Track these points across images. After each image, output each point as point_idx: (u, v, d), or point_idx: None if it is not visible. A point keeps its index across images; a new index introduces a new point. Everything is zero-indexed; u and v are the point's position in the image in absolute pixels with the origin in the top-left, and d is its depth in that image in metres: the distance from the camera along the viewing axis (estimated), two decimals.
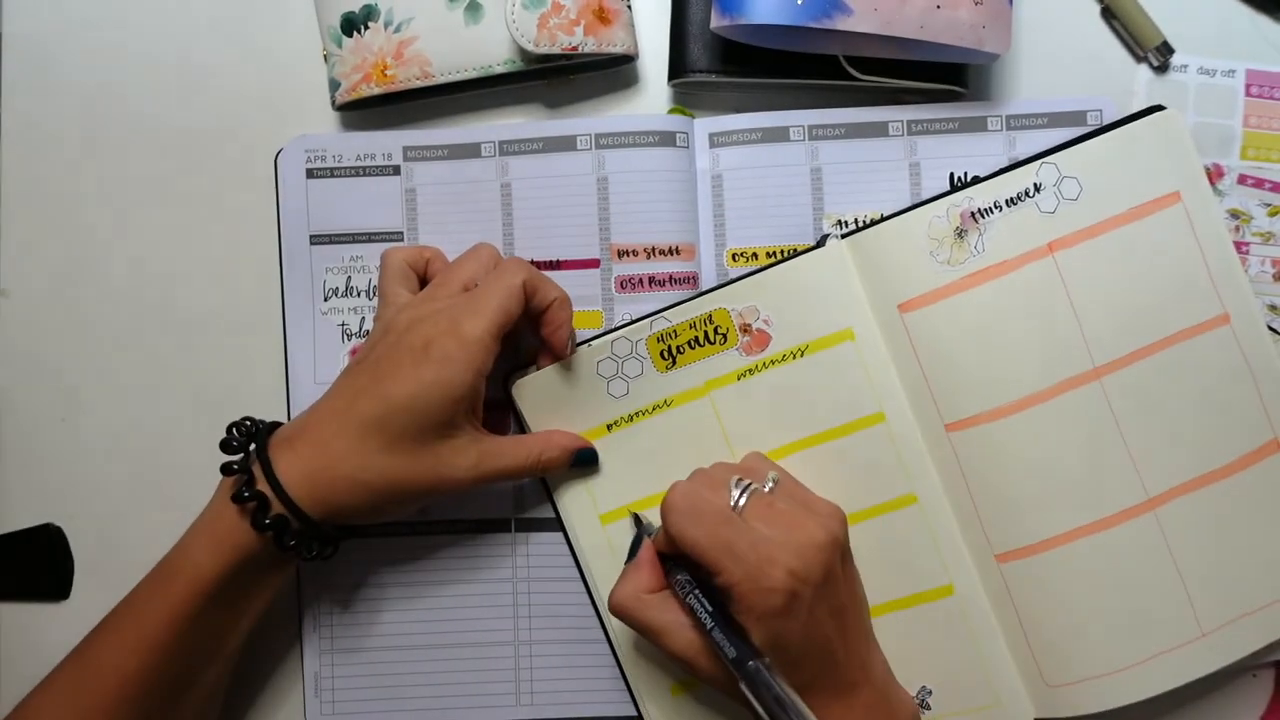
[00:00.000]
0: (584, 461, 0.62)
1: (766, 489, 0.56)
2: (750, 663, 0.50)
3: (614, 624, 0.62)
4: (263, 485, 0.55)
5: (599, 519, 0.62)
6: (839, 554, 0.55)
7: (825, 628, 0.53)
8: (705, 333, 0.61)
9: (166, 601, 0.55)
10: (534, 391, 0.62)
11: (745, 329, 0.61)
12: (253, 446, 0.57)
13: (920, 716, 0.59)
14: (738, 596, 0.52)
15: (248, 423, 0.58)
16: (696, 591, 0.53)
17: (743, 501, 0.55)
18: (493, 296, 0.56)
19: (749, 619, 0.52)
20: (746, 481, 0.56)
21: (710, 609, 0.52)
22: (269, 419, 0.59)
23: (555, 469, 0.61)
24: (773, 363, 0.61)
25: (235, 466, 0.56)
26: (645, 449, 0.62)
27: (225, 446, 0.57)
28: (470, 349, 0.55)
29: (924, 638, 0.60)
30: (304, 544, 0.56)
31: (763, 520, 0.54)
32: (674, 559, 0.55)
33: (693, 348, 0.61)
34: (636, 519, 0.61)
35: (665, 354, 0.61)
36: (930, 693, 0.61)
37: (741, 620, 0.52)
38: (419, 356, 0.55)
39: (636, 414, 0.62)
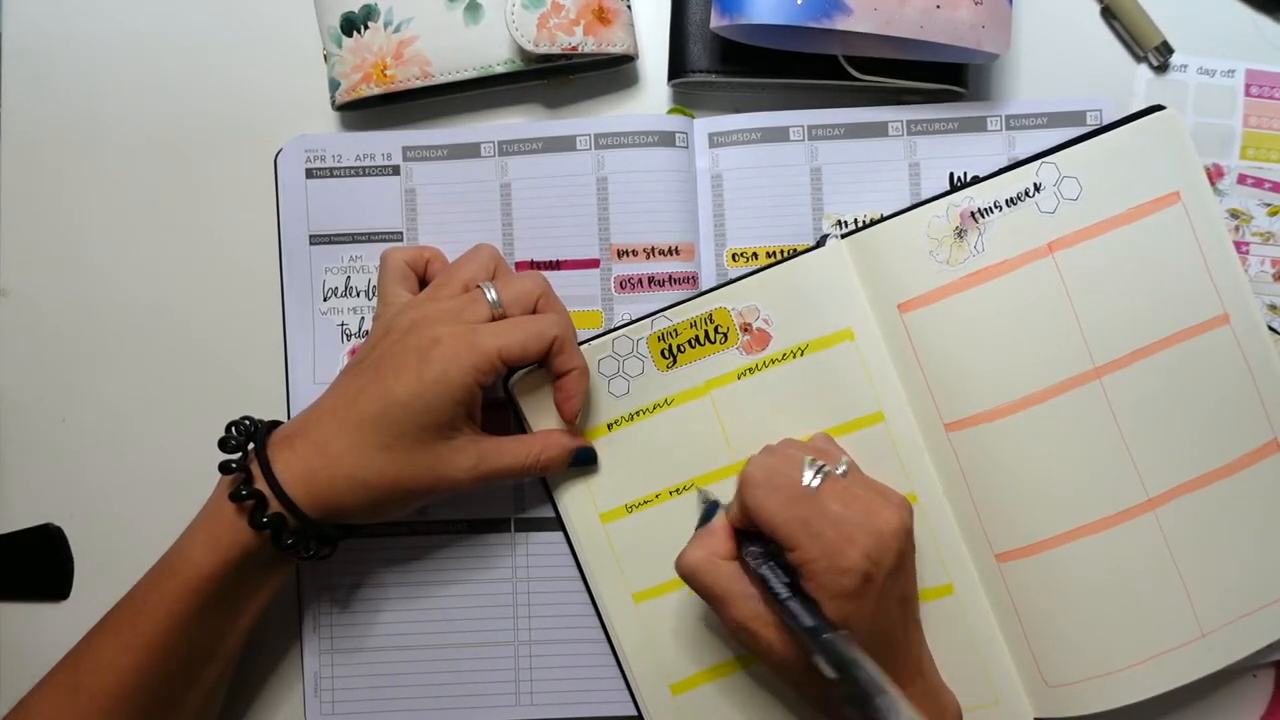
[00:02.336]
0: (583, 461, 0.61)
1: (839, 471, 0.56)
2: (827, 634, 0.50)
3: (614, 623, 0.62)
4: (261, 484, 0.55)
5: (599, 518, 0.62)
6: (910, 544, 0.55)
7: (892, 614, 0.54)
8: (706, 332, 0.61)
9: (164, 599, 0.55)
10: (534, 391, 0.61)
11: (746, 328, 0.61)
12: (251, 445, 0.57)
13: (962, 715, 0.58)
14: (811, 574, 0.52)
15: (246, 421, 0.58)
16: (771, 563, 0.53)
17: (816, 482, 0.54)
18: (521, 330, 0.56)
19: (819, 597, 0.52)
20: (821, 462, 0.55)
21: (786, 579, 0.52)
22: (269, 419, 0.59)
23: (555, 468, 0.61)
24: (773, 362, 0.61)
25: (233, 465, 0.56)
26: (646, 448, 0.62)
27: (224, 445, 0.56)
28: (476, 357, 0.55)
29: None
30: (301, 543, 0.56)
31: (839, 501, 0.54)
32: (746, 534, 0.55)
33: (693, 347, 0.61)
34: (703, 492, 0.60)
35: (666, 353, 0.61)
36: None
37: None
38: (424, 355, 0.55)
39: (637, 413, 0.62)
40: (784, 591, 0.52)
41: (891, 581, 0.53)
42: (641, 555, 0.62)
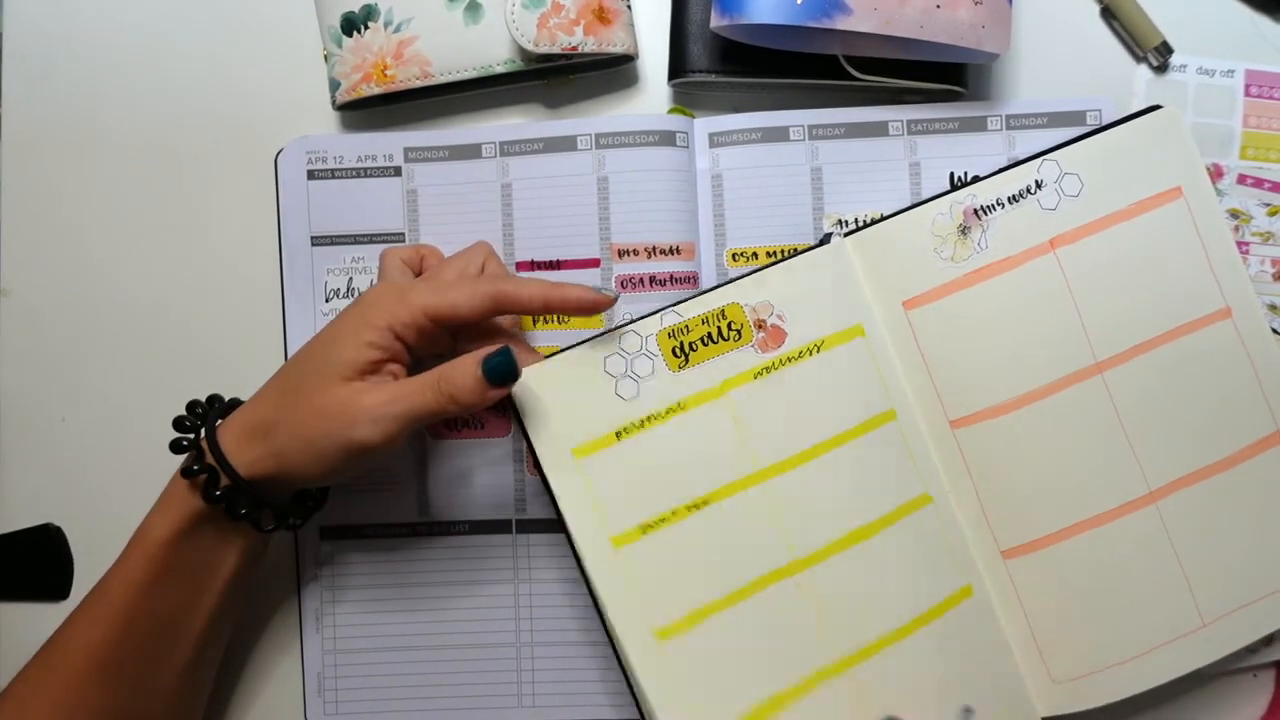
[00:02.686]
0: (500, 375, 0.53)
1: None
2: None
3: (635, 667, 0.57)
4: (211, 460, 0.55)
5: (610, 542, 0.56)
6: None
7: None
8: (719, 328, 0.58)
9: (124, 570, 0.56)
10: (533, 393, 0.57)
11: (760, 324, 0.58)
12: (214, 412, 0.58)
13: None
14: None
15: (215, 401, 0.59)
16: None
17: None
18: (452, 288, 0.55)
19: None
20: None
21: None
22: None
23: (468, 397, 0.53)
24: (790, 360, 0.58)
25: (185, 444, 0.56)
26: (659, 459, 0.57)
27: (178, 424, 0.57)
28: (398, 308, 0.54)
29: (955, 648, 0.59)
30: (235, 502, 0.55)
31: None
32: None
33: (706, 344, 0.58)
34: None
35: (678, 351, 0.58)
36: (972, 712, 0.58)
37: None
38: (351, 305, 0.56)
39: (648, 419, 0.57)
40: None
41: None
42: (661, 584, 0.56)
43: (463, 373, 0.53)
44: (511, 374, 0.54)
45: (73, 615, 0.56)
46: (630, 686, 0.57)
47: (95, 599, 0.56)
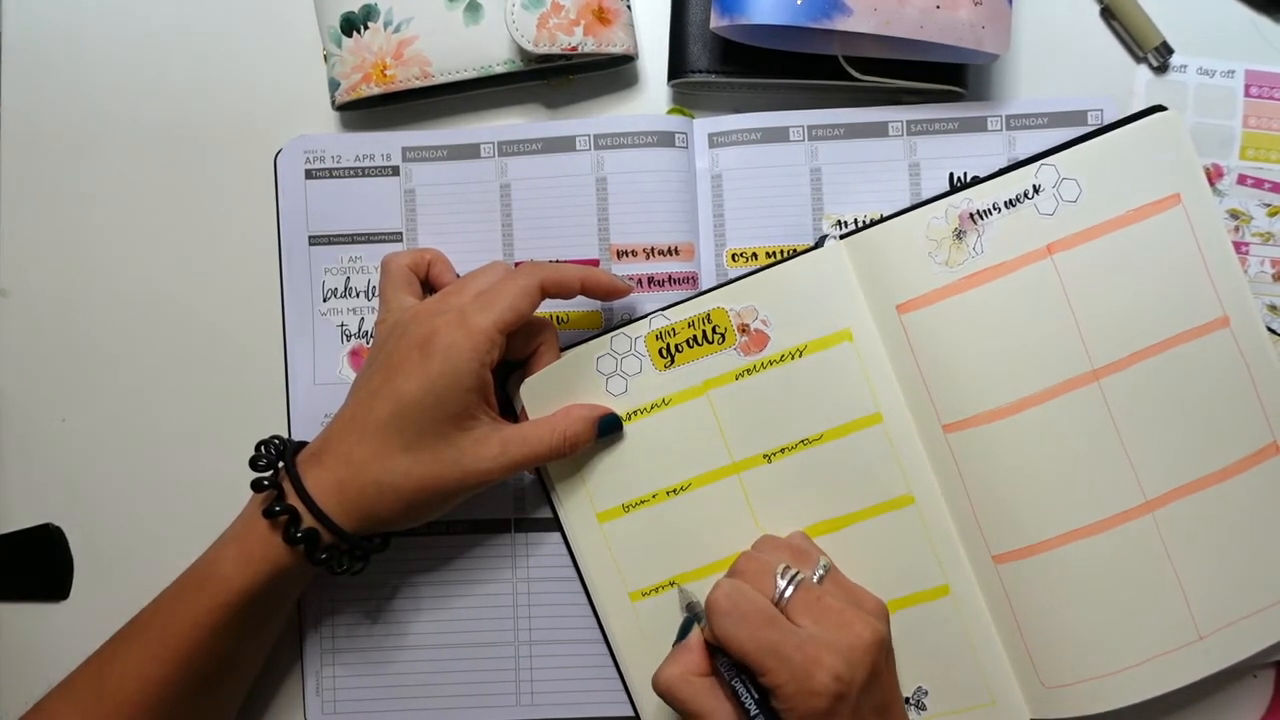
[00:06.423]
0: (609, 428, 0.61)
1: (815, 578, 0.56)
2: None
3: (610, 623, 0.62)
4: (293, 499, 0.55)
5: (596, 517, 0.62)
6: (884, 654, 0.54)
7: None
8: (704, 332, 0.61)
9: (192, 613, 0.55)
10: (533, 390, 0.61)
11: (743, 329, 0.61)
12: (281, 464, 0.57)
13: None
14: (782, 698, 0.51)
15: (276, 440, 0.58)
16: (742, 677, 0.53)
17: (789, 593, 0.54)
18: (505, 294, 0.56)
19: (792, 718, 0.51)
20: (794, 571, 0.55)
21: (755, 696, 0.52)
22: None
23: (582, 443, 0.60)
24: (770, 363, 0.61)
25: (265, 483, 0.56)
26: (643, 447, 0.62)
27: (254, 463, 0.57)
28: (475, 338, 0.55)
29: (920, 637, 0.60)
30: (335, 557, 0.56)
31: (810, 616, 0.53)
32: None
33: (691, 346, 0.61)
34: (689, 604, 0.59)
35: (664, 352, 0.61)
36: (926, 693, 0.61)
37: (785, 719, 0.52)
38: (424, 350, 0.55)
39: (635, 412, 0.62)
40: (754, 709, 0.52)
41: (865, 696, 0.52)
42: (638, 555, 0.62)
43: (583, 425, 0.60)
44: (620, 433, 0.62)
45: (128, 644, 0.56)
46: (614, 658, 0.63)
47: (154, 635, 0.56)
